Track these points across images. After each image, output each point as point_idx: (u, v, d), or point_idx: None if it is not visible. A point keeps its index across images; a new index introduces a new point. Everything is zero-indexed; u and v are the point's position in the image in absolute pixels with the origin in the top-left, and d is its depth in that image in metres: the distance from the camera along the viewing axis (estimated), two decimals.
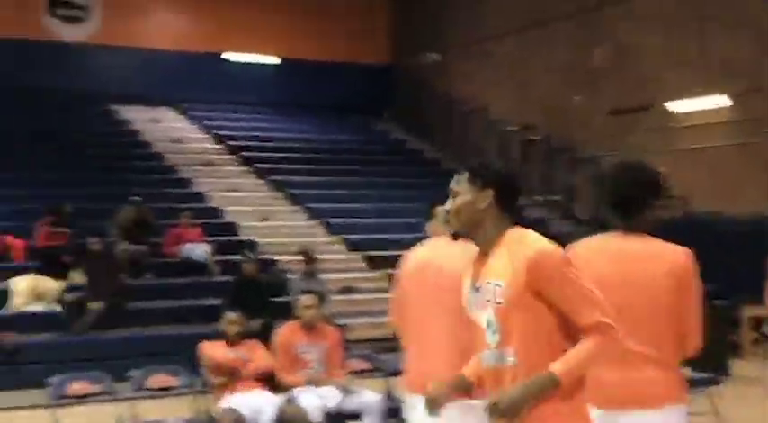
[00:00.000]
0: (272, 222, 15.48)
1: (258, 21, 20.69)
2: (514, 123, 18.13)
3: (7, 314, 11.12)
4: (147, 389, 6.79)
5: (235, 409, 6.29)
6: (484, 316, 3.03)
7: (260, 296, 10.82)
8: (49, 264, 11.77)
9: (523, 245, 3.02)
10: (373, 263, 14.10)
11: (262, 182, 17.27)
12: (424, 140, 20.72)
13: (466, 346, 3.31)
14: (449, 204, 3.16)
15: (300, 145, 19.04)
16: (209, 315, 10.73)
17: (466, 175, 3.16)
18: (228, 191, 16.30)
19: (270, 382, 6.83)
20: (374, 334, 11.04)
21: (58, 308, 11.29)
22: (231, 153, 18.39)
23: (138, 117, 19.14)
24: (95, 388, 6.51)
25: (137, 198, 13.06)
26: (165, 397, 6.98)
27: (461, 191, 3.14)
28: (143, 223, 12.91)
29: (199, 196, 15.88)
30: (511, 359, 2.98)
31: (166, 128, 19.10)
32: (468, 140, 18.84)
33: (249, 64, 20.99)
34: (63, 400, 6.41)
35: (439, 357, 3.75)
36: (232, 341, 6.94)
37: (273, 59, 21.12)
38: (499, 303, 2.97)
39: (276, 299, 11.32)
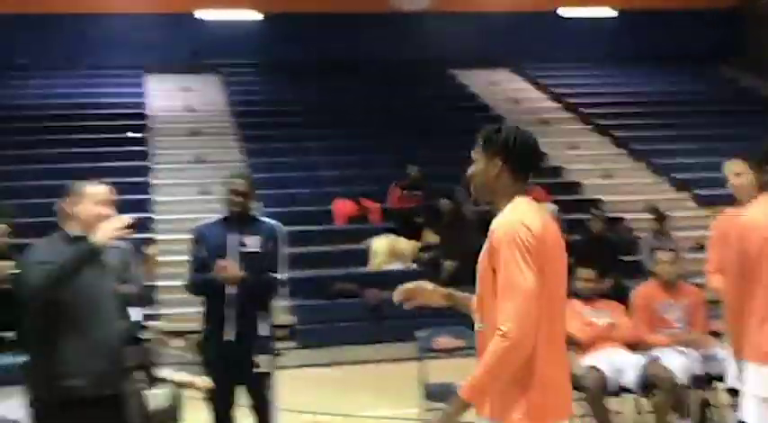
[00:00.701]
0: (615, 179, 15.19)
1: None
2: None
3: (369, 272, 11.92)
4: None
5: (597, 368, 6.27)
6: None
7: (609, 255, 10.68)
8: (403, 225, 12.44)
9: (501, 216, 3.03)
10: None
11: (602, 138, 16.97)
12: None
13: None
14: (469, 170, 3.13)
15: (640, 99, 18.41)
16: None
17: (480, 141, 3.12)
18: (569, 149, 16.19)
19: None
20: None
21: (414, 266, 11.92)
22: (569, 110, 18.23)
23: (476, 80, 19.53)
24: (460, 342, 6.78)
25: None
26: None
27: (476, 158, 3.13)
28: None
29: None
30: (480, 325, 3.07)
31: (504, 89, 19.32)
32: None
33: (585, 19, 20.58)
34: (430, 353, 6.73)
35: None
36: (586, 299, 6.87)
37: (609, 12, 20.55)
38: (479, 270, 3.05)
39: (625, 258, 11.12)
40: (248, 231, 5.19)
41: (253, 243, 5.14)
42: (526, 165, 3.13)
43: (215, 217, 5.34)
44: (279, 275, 5.20)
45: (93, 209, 4.07)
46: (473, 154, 3.21)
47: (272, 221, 5.41)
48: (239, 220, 5.22)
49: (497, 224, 3.04)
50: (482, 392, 2.95)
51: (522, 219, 2.99)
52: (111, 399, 4.06)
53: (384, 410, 7.67)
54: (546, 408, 3.00)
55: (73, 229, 4.10)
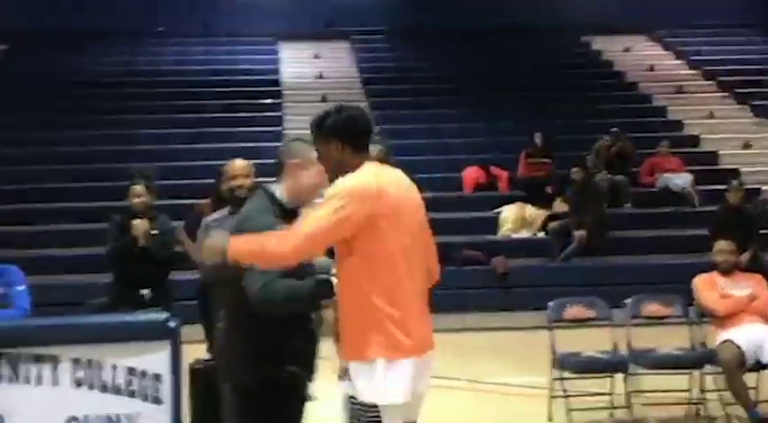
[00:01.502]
0: (754, 149, 14.61)
1: None
2: None
3: (497, 240, 11.88)
4: (641, 317, 6.83)
5: (734, 343, 6.10)
6: None
7: (746, 227, 10.31)
8: (532, 193, 12.32)
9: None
10: None
11: (741, 107, 16.32)
12: None
13: None
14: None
15: None
16: (692, 245, 10.53)
17: (313, 131, 3.46)
18: (706, 118, 15.66)
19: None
20: None
21: (542, 235, 11.81)
22: (707, 78, 17.59)
23: (610, 47, 19.06)
24: (591, 313, 6.70)
25: (615, 129, 13.12)
26: (657, 325, 6.98)
27: (316, 148, 3.49)
28: (622, 153, 12.95)
29: (675, 124, 15.46)
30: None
31: (639, 56, 18.79)
32: None
33: None
34: (560, 323, 6.68)
35: None
36: (725, 271, 6.67)
37: None
38: None
39: (764, 230, 10.73)
40: None
41: None
42: (361, 138, 3.45)
43: None
44: None
45: (316, 179, 3.74)
46: (314, 146, 3.54)
47: None
48: None
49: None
50: (241, 252, 3.36)
51: (348, 180, 3.35)
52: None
53: (510, 378, 7.65)
54: (395, 344, 3.31)
55: (280, 192, 3.79)
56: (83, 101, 15.69)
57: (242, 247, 3.38)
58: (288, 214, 3.70)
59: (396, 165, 3.76)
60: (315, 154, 3.61)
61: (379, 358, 3.32)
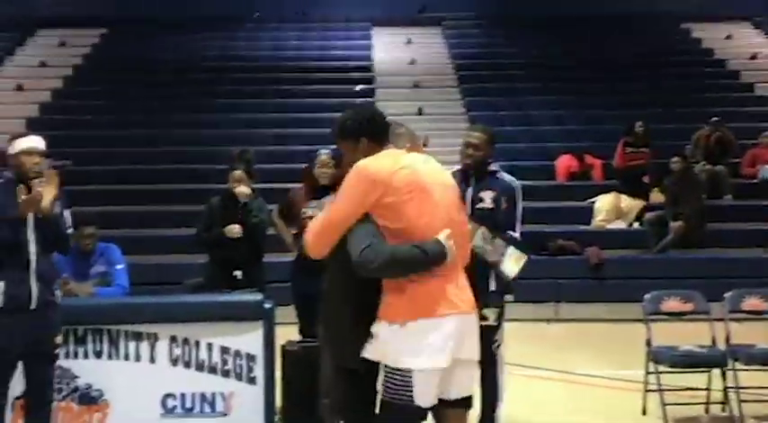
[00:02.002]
0: None
1: None
2: None
3: (590, 230, 11.68)
4: (740, 311, 6.63)
5: None
6: None
7: None
8: (628, 183, 12.06)
9: None
10: None
11: None
12: None
13: None
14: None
15: None
16: None
17: (339, 133, 3.82)
18: None
19: None
20: None
21: (638, 226, 11.57)
22: None
23: (711, 35, 18.53)
24: (689, 306, 6.53)
25: (715, 118, 12.75)
26: (757, 320, 6.78)
27: (343, 149, 3.82)
28: (722, 143, 12.59)
29: None
30: None
31: (741, 44, 18.20)
32: None
33: None
34: (657, 315, 6.53)
35: None
36: None
37: None
38: None
39: None
40: (483, 186, 5.15)
41: (486, 198, 5.11)
42: (382, 133, 3.77)
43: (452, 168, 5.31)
44: (513, 233, 5.12)
45: None
46: (341, 147, 3.86)
47: (509, 177, 5.30)
48: (474, 173, 5.19)
49: None
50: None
51: (360, 165, 3.61)
52: None
53: (603, 370, 7.53)
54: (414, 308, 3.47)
55: None
56: (180, 86, 16.00)
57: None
58: None
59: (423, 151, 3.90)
60: (402, 136, 3.93)
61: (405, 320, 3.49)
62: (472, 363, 3.69)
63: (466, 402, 3.74)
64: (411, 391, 3.46)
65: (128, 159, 13.60)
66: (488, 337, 5.05)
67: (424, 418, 3.64)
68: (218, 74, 16.39)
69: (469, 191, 5.11)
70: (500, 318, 5.19)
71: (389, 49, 18.22)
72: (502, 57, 17.41)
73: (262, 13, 19.48)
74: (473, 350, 3.67)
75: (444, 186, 3.72)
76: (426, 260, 3.51)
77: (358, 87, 15.91)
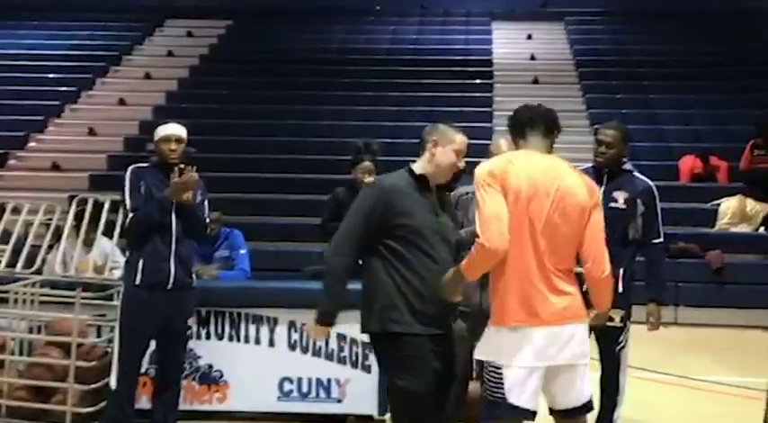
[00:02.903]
0: None
1: None
2: None
3: (713, 233, 11.35)
4: None
5: None
6: None
7: None
8: (755, 186, 11.65)
9: None
10: None
11: None
12: None
13: None
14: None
15: None
16: None
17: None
18: None
19: None
20: None
21: (764, 231, 11.18)
22: None
23: None
24: None
25: None
26: None
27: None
28: None
29: None
30: None
31: None
32: None
33: None
34: None
35: None
36: None
37: None
38: None
39: None
40: (615, 186, 5.02)
41: (620, 198, 4.99)
42: (519, 130, 3.84)
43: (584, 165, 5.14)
44: (659, 240, 5.08)
45: (451, 156, 4.10)
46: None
47: (645, 178, 5.16)
48: (608, 172, 5.06)
49: None
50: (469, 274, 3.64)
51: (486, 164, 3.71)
52: None
53: (722, 376, 7.32)
54: (508, 312, 3.56)
55: (420, 167, 4.15)
56: (301, 77, 16.24)
57: (469, 265, 3.64)
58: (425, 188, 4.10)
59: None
60: (455, 136, 4.11)
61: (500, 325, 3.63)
62: (573, 367, 3.63)
63: (579, 411, 3.73)
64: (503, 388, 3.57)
65: (251, 148, 13.91)
66: (612, 338, 4.98)
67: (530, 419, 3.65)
68: (338, 66, 16.58)
69: (601, 190, 4.97)
70: (625, 320, 5.08)
71: (509, 43, 18.09)
72: (626, 53, 17.08)
73: (382, 5, 19.60)
74: (573, 354, 3.61)
75: (550, 190, 3.66)
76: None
77: (476, 81, 15.85)
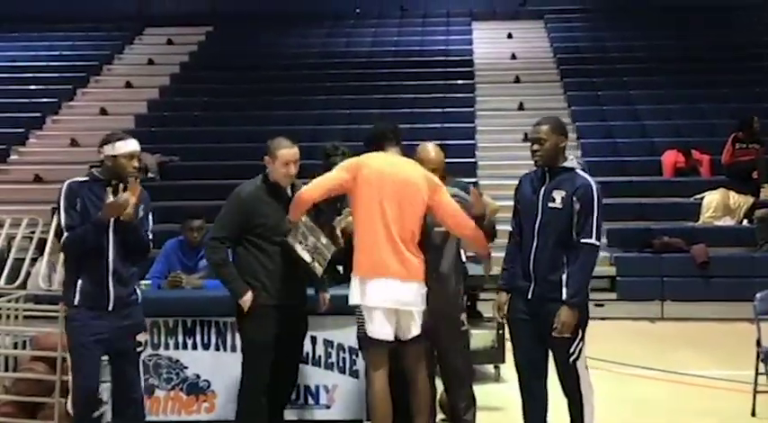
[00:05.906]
0: None
1: None
2: None
3: (697, 227, 11.40)
4: None
5: None
6: None
7: None
8: (737, 179, 11.72)
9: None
10: None
11: None
12: None
13: None
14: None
15: None
16: None
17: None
18: None
19: None
20: None
21: (747, 223, 11.24)
22: None
23: None
24: None
25: None
26: None
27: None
28: None
29: None
30: None
31: None
32: None
33: None
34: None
35: None
36: None
37: None
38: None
39: None
40: (554, 185, 4.66)
41: (557, 197, 4.65)
42: (373, 143, 5.29)
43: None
44: (589, 240, 4.56)
45: (280, 167, 5.31)
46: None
47: (586, 178, 4.68)
48: (549, 171, 4.70)
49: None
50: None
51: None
52: None
53: (709, 371, 7.35)
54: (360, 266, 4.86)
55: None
56: (282, 82, 16.22)
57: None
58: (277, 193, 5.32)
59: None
60: (279, 151, 5.30)
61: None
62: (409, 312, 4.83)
63: (412, 341, 4.87)
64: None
65: (233, 154, 13.85)
66: (564, 349, 4.66)
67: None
68: (320, 70, 16.58)
69: (542, 189, 4.70)
70: (577, 329, 4.61)
71: (490, 43, 18.13)
72: (606, 50, 17.14)
73: (362, 8, 19.62)
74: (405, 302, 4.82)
75: (399, 180, 4.86)
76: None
77: (459, 81, 15.87)
